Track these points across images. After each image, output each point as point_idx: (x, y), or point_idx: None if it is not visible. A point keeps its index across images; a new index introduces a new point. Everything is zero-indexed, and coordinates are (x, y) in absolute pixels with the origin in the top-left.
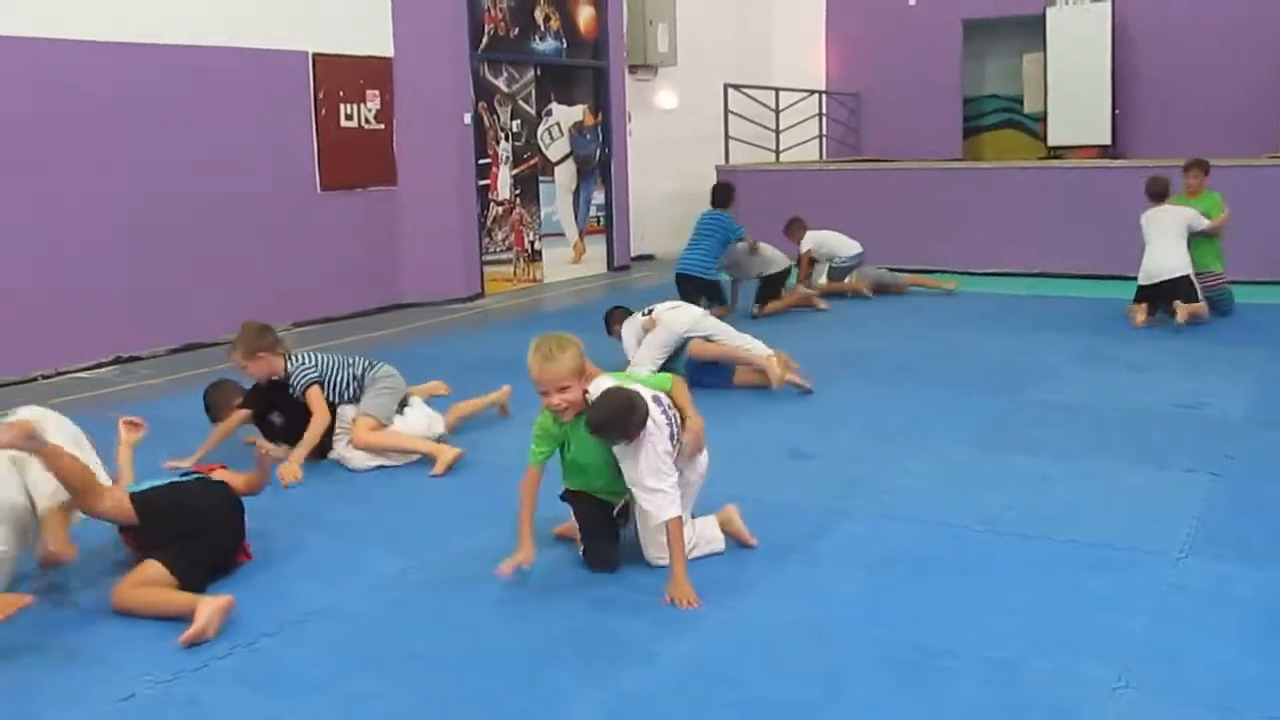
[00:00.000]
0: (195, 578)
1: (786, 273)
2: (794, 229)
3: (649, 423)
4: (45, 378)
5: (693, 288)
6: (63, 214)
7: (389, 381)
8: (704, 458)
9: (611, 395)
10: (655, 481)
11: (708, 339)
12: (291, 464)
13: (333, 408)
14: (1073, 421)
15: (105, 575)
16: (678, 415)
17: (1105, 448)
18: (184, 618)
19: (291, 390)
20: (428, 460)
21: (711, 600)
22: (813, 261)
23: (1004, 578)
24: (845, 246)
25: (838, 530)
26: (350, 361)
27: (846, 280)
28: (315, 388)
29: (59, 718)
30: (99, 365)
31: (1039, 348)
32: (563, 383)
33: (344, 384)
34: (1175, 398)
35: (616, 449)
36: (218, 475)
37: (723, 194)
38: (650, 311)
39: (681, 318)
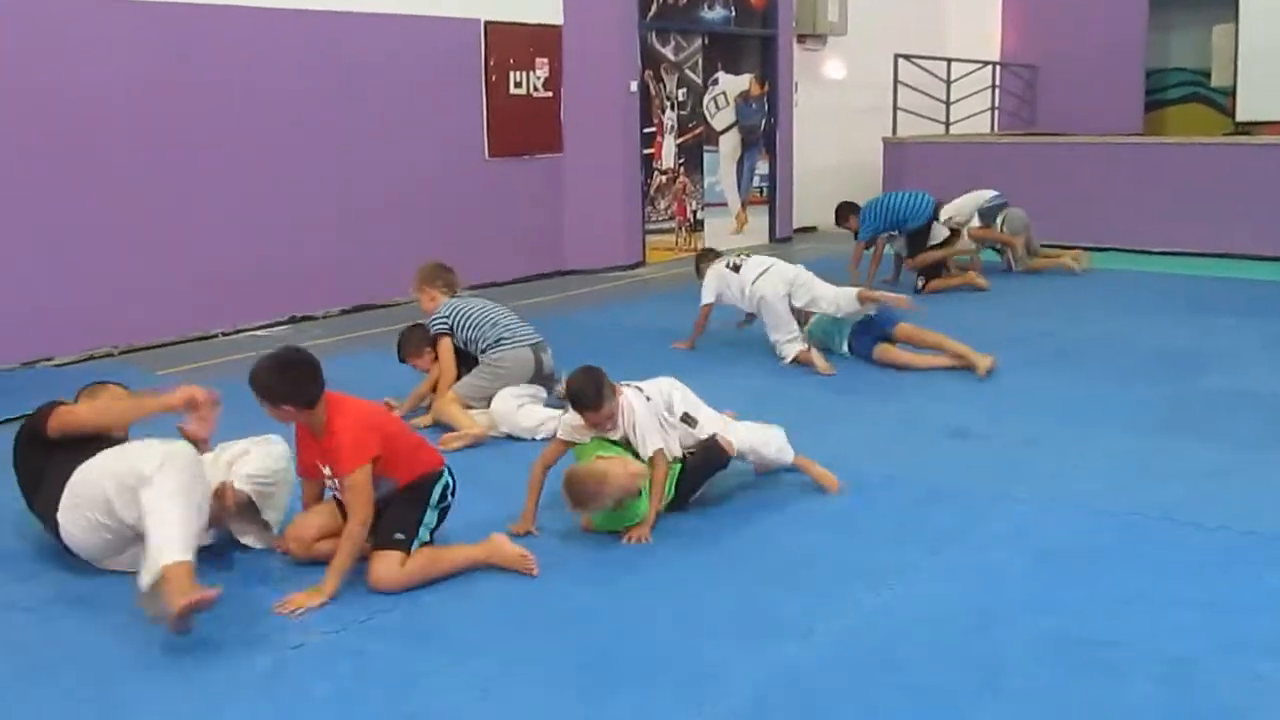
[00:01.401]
0: None
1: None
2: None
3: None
4: (225, 335)
5: None
6: (241, 178)
7: (499, 369)
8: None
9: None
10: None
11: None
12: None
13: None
14: (1254, 410)
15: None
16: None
17: None
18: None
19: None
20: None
21: (872, 580)
22: (955, 231)
23: (1178, 570)
24: (980, 196)
25: (1003, 514)
26: (490, 323)
27: (999, 225)
28: (445, 340)
29: (237, 659)
30: (275, 324)
31: (1221, 331)
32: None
33: (460, 336)
34: None
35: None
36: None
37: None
38: (738, 267)
39: (772, 282)
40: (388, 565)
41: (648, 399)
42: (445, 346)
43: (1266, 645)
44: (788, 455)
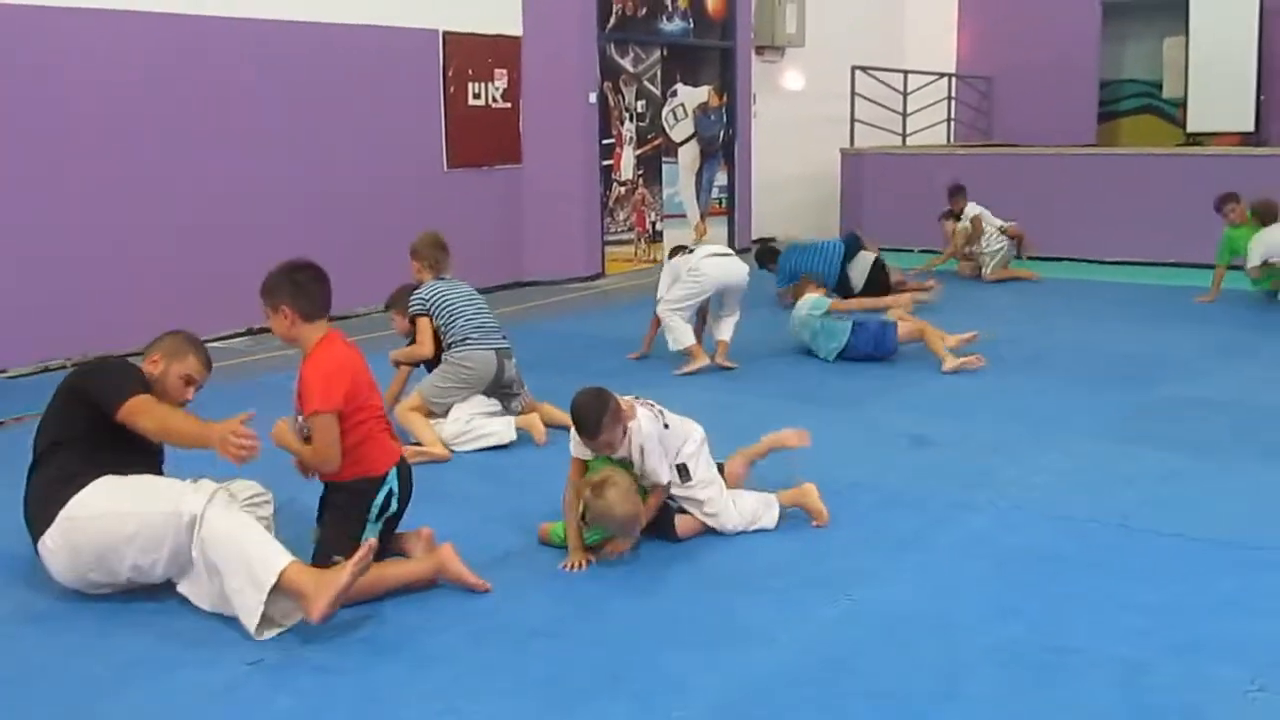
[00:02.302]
0: None
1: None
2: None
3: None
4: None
5: None
6: (199, 188)
7: (463, 370)
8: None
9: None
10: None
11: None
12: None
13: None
14: (1209, 417)
15: None
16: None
17: (1242, 445)
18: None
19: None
20: (527, 437)
21: (833, 588)
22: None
23: (1134, 575)
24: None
25: (963, 521)
26: (464, 318)
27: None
28: (422, 319)
29: (194, 679)
30: (234, 335)
31: (1176, 340)
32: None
33: (437, 328)
34: None
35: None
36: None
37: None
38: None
39: (720, 270)
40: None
41: (665, 427)
42: (423, 326)
43: (1221, 648)
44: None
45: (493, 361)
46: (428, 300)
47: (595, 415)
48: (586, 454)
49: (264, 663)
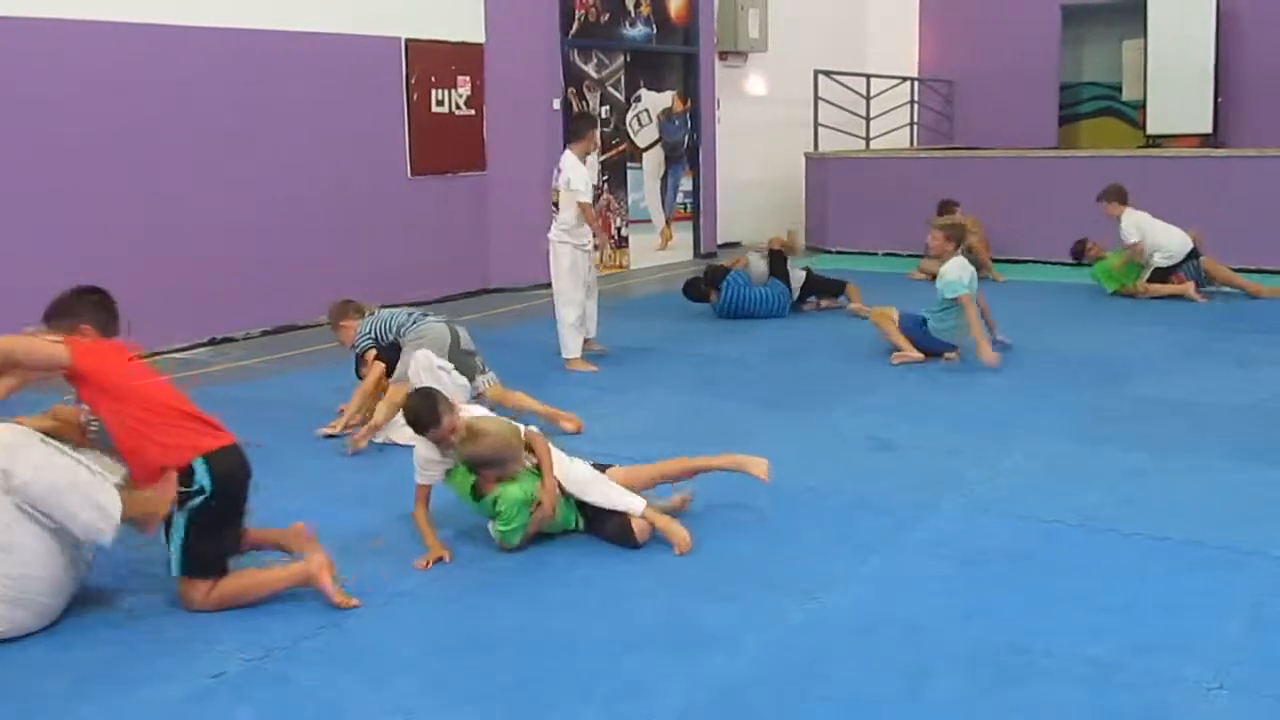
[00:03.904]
0: None
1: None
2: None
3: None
4: (141, 358)
5: None
6: (158, 198)
7: (419, 341)
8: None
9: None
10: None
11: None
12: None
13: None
14: (1173, 417)
15: None
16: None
17: (1205, 444)
18: None
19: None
20: None
21: (799, 592)
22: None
23: (1098, 575)
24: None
25: (927, 523)
26: (405, 314)
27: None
28: (369, 352)
29: (153, 693)
30: (195, 345)
31: (1140, 340)
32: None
33: (384, 340)
34: None
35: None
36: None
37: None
38: None
39: None
40: (188, 594)
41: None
42: (369, 356)
43: (1184, 646)
44: (634, 508)
45: (445, 333)
46: (370, 330)
47: (431, 407)
48: (436, 470)
49: (225, 675)
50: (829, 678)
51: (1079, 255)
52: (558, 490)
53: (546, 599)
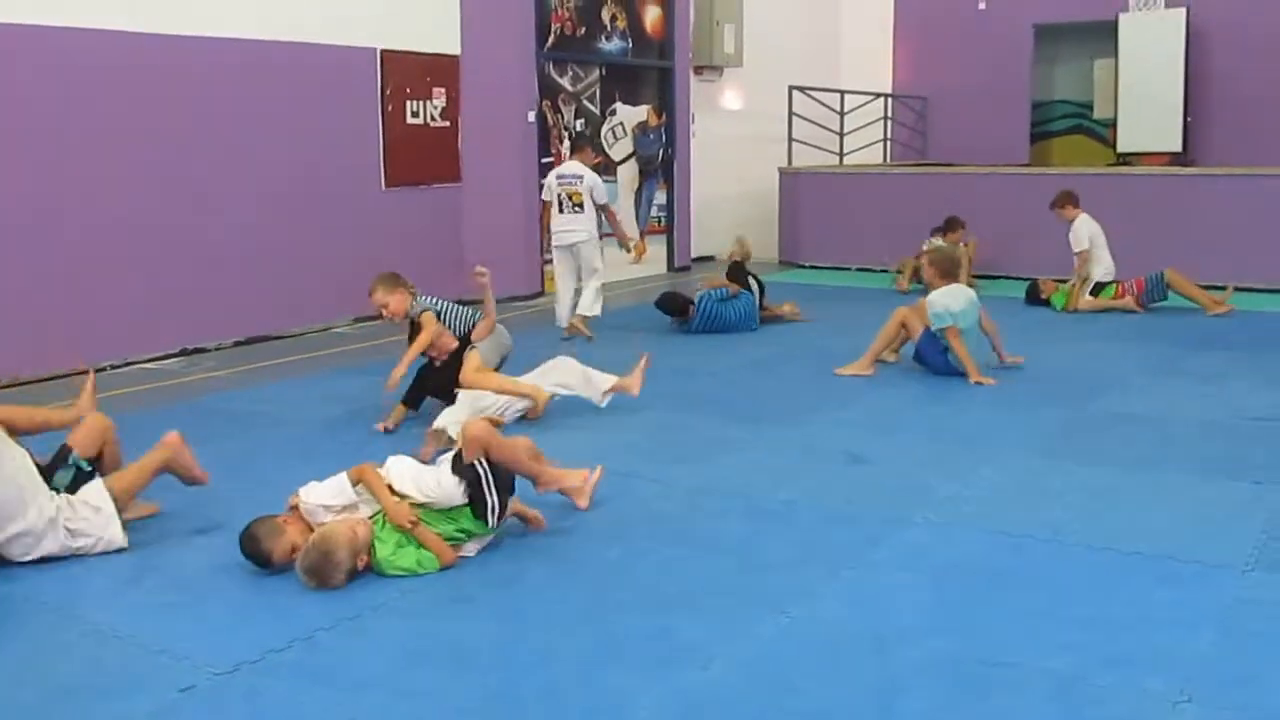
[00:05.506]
0: None
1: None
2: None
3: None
4: (114, 368)
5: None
6: (130, 208)
7: (500, 340)
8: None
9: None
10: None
11: None
12: (395, 370)
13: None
14: (1140, 433)
15: (171, 569)
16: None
17: (1172, 459)
18: None
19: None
20: None
21: (770, 606)
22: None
23: (1067, 589)
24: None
25: (899, 538)
26: (466, 314)
27: None
28: (430, 313)
29: (120, 707)
30: (167, 356)
31: (1107, 357)
32: None
33: (455, 324)
34: (1246, 410)
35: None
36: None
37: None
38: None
39: None
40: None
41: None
42: (429, 317)
43: (1153, 661)
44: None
45: (505, 331)
46: (432, 301)
47: (252, 549)
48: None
49: (195, 689)
50: (800, 691)
51: (1034, 296)
52: (402, 508)
53: (517, 613)
